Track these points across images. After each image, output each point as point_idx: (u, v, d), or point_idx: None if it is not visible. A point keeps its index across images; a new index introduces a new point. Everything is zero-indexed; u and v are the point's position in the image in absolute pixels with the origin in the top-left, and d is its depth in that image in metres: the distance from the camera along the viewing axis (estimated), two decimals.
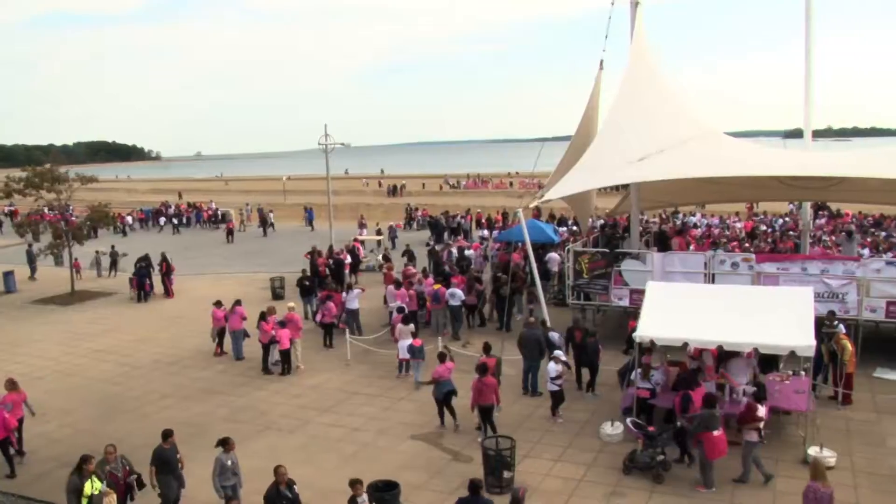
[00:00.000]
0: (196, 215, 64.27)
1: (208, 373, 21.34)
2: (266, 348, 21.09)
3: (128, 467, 12.65)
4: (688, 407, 14.24)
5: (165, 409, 18.43)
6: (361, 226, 48.84)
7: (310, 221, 56.94)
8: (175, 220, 60.92)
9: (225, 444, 12.66)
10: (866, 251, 27.86)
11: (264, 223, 55.71)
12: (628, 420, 14.89)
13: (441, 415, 16.69)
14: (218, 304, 22.92)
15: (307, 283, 27.01)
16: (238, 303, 22.65)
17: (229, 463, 12.58)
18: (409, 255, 32.53)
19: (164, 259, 32.89)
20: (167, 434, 12.90)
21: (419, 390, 18.70)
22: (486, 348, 17.61)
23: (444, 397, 16.41)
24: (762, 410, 13.78)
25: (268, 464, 12.37)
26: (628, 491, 13.42)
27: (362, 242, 39.79)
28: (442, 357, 16.93)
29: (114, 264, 38.40)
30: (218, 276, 36.69)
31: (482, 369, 15.74)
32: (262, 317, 21.35)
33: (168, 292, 32.39)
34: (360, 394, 19.10)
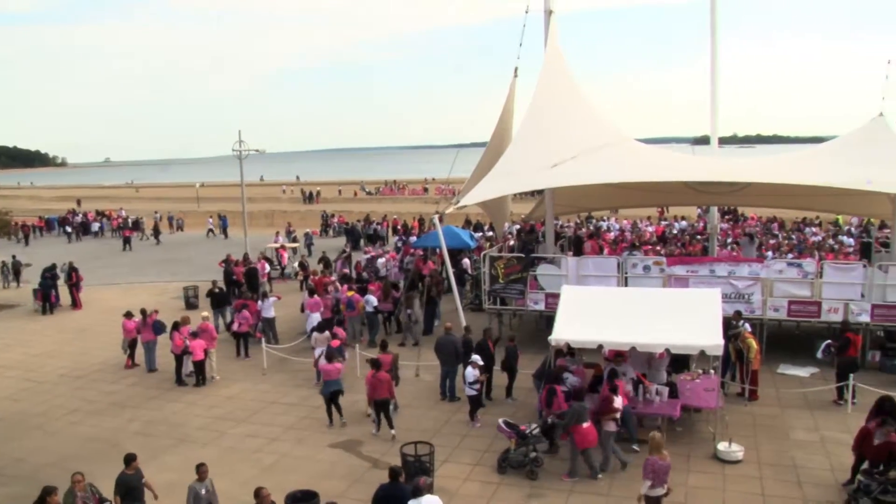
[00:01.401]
0: (99, 225, 61.74)
1: (119, 386, 20.70)
2: (179, 359, 20.60)
3: (97, 495, 11.68)
4: (552, 401, 14.81)
5: (73, 425, 17.76)
6: (289, 233, 48.27)
7: (224, 229, 55.88)
8: (82, 229, 58.96)
9: (197, 470, 11.81)
10: (770, 253, 28.98)
11: (156, 232, 54.70)
12: (500, 420, 15.14)
13: (329, 413, 17.13)
14: (128, 314, 22.27)
15: (218, 292, 26.41)
16: (152, 312, 22.12)
17: (203, 492, 11.66)
18: (325, 263, 32.25)
19: (71, 269, 31.79)
20: (129, 459, 12.04)
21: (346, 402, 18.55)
22: (383, 345, 18.27)
23: (331, 396, 17.00)
24: (618, 401, 14.37)
25: (183, 477, 12.10)
26: (547, 492, 13.60)
27: (288, 250, 39.38)
28: (329, 356, 17.43)
29: (16, 275, 36.95)
30: (128, 286, 35.67)
31: (375, 364, 16.49)
32: (175, 327, 20.88)
33: (76, 303, 31.33)
34: (277, 403, 18.85)
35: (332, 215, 59.20)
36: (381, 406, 16.27)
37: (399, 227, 48.42)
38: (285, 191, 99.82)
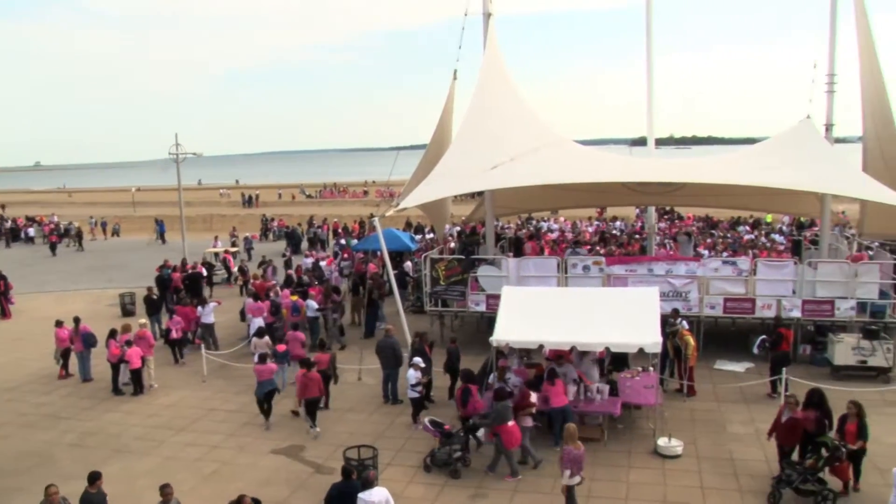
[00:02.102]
0: (30, 231, 59.69)
1: (52, 397, 20.11)
2: (115, 368, 20.12)
3: None
4: (467, 401, 15.11)
5: (4, 439, 17.17)
6: (233, 237, 47.49)
7: (161, 234, 54.80)
8: (11, 235, 57.28)
9: (162, 492, 11.29)
10: (706, 252, 29.61)
11: (80, 237, 53.59)
12: (426, 419, 15.30)
13: (264, 413, 17.27)
14: (59, 323, 21.65)
15: (154, 298, 25.87)
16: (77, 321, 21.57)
17: None
18: (266, 267, 31.87)
19: (0, 277, 30.84)
20: (93, 478, 11.62)
21: (278, 404, 18.37)
22: (321, 344, 18.73)
23: (265, 396, 17.13)
24: (534, 397, 14.76)
25: (121, 489, 11.85)
26: (489, 492, 13.67)
27: (233, 254, 38.90)
28: (262, 358, 17.55)
29: None
30: (62, 294, 34.73)
31: (307, 364, 16.73)
32: (112, 335, 20.40)
33: (5, 313, 30.39)
34: (218, 410, 18.56)
35: (272, 219, 58.61)
36: (311, 404, 16.60)
37: (339, 230, 48.17)
38: (223, 194, 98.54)
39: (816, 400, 13.60)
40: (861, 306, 20.46)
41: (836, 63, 23.74)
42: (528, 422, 14.65)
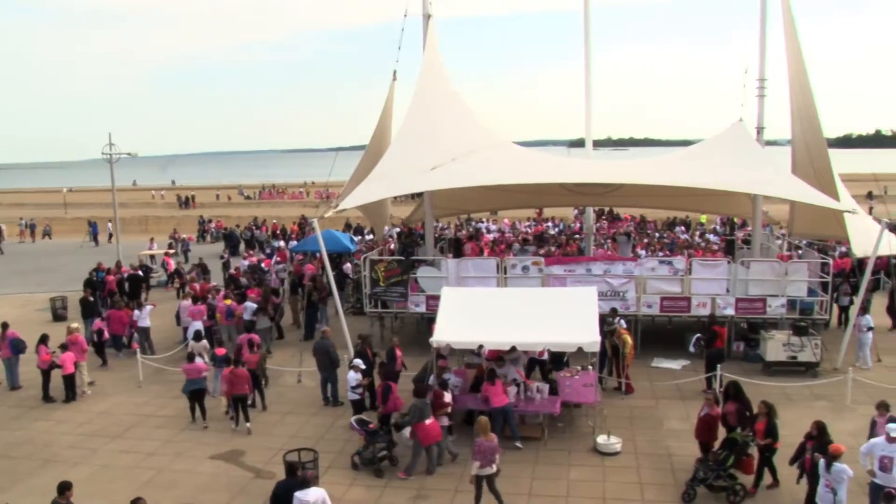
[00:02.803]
0: None
1: None
2: (46, 374, 19.52)
3: None
4: (387, 398, 15.34)
5: None
6: (173, 239, 46.51)
7: (94, 236, 53.47)
8: None
9: None
10: (643, 252, 30.12)
11: None
12: (352, 418, 15.28)
13: (192, 410, 17.45)
14: None
15: (91, 301, 25.25)
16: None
17: None
18: (203, 269, 31.39)
19: None
20: (63, 488, 11.09)
21: (216, 407, 18.10)
22: (251, 344, 18.60)
23: (192, 395, 17.33)
24: (448, 397, 15.02)
25: (49, 501, 11.40)
26: (431, 493, 13.67)
27: (171, 256, 38.15)
28: (191, 357, 17.89)
29: None
30: None
31: (235, 361, 17.09)
32: (42, 340, 19.82)
33: None
34: (154, 416, 18.17)
35: (210, 220, 57.70)
36: (240, 401, 16.76)
37: (278, 231, 47.71)
38: (154, 196, 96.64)
39: (733, 392, 14.08)
40: (791, 304, 21.09)
41: (766, 68, 24.43)
42: (445, 420, 14.87)
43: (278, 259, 32.58)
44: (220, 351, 19.30)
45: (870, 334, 20.34)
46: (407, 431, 14.82)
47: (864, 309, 20.81)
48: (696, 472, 13.07)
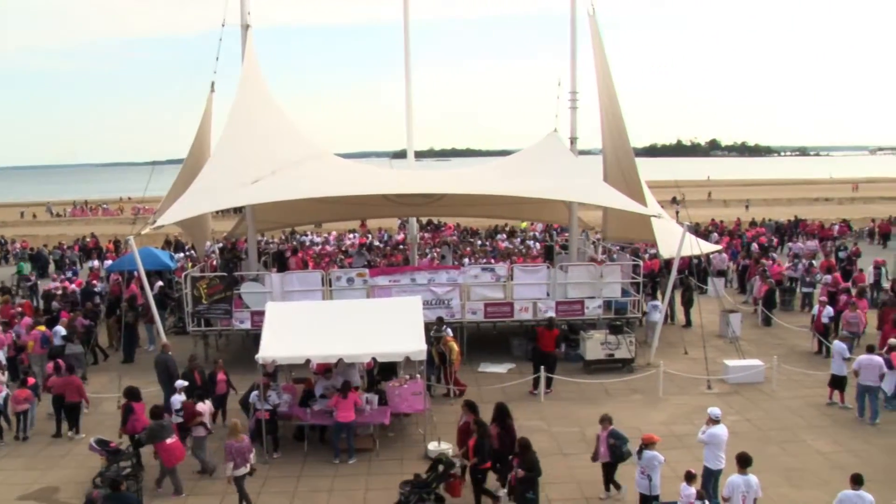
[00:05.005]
0: None
1: None
2: None
3: None
4: (127, 419, 15.10)
5: None
6: None
7: None
8: None
9: None
10: (466, 259, 30.76)
11: None
12: (92, 440, 14.84)
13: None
14: None
15: None
16: None
17: None
18: (3, 292, 29.02)
19: None
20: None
21: (24, 442, 16.79)
22: (69, 368, 17.82)
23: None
24: (201, 406, 15.00)
25: None
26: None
27: None
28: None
29: None
30: None
31: (59, 368, 17.06)
32: None
33: None
34: None
35: (13, 241, 53.55)
36: (73, 409, 16.86)
37: (93, 250, 45.06)
38: None
39: (496, 415, 13.96)
40: (607, 304, 22.22)
41: (577, 81, 25.69)
42: (201, 431, 14.71)
43: (92, 281, 30.69)
44: (31, 380, 17.85)
45: (657, 314, 22.55)
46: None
47: (653, 296, 24.19)
48: (401, 494, 12.94)
